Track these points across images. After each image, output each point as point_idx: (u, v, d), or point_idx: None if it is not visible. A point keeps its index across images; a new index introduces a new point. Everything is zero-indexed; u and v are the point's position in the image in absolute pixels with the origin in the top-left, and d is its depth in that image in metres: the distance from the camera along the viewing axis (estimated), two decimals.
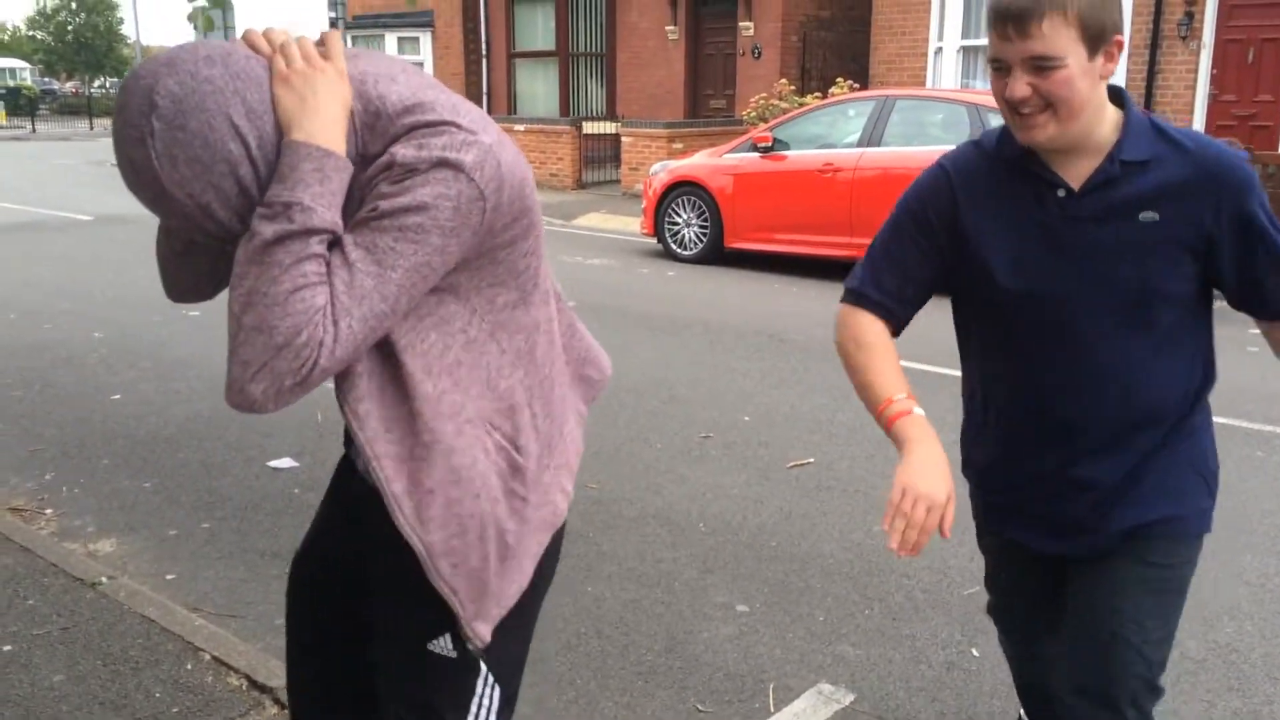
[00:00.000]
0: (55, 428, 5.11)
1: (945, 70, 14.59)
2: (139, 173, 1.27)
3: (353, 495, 1.58)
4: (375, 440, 1.37)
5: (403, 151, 1.29)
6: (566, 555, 3.73)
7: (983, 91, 10.55)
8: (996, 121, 8.71)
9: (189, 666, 2.91)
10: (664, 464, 4.72)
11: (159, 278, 1.60)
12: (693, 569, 3.71)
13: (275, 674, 2.86)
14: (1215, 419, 1.96)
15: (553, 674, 3.05)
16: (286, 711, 2.70)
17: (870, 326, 1.87)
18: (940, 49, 14.54)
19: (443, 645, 1.47)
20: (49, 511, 4.13)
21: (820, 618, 3.37)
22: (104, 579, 3.36)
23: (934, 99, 9.50)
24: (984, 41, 13.91)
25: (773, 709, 2.88)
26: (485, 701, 1.52)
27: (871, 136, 9.12)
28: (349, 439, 1.57)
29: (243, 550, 3.82)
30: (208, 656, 2.95)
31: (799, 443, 4.96)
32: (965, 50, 14.38)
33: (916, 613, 3.41)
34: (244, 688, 2.82)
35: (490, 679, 1.52)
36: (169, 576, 3.61)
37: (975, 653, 3.16)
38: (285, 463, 4.64)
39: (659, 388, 5.89)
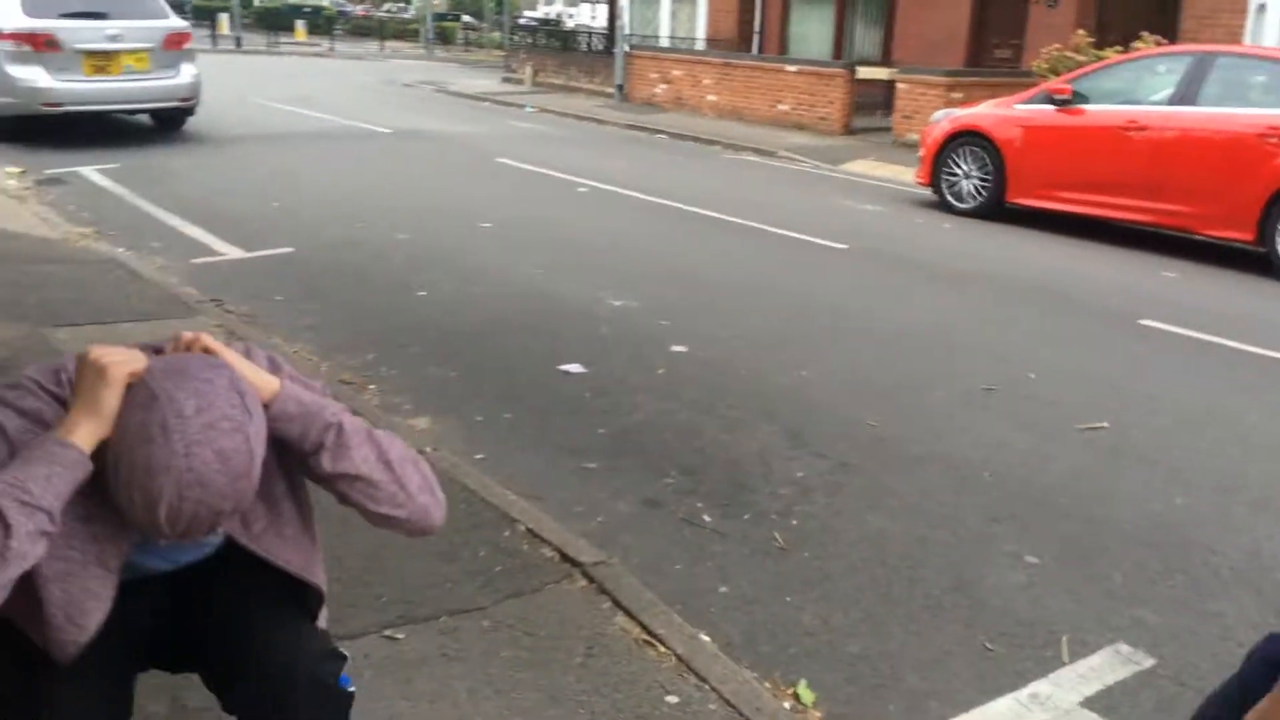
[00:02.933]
0: (371, 315, 5.59)
1: (1268, 29, 13.27)
2: (233, 459, 1.39)
3: (192, 589, 1.76)
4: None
5: None
6: (847, 485, 3.79)
7: None
8: None
9: (506, 534, 3.16)
10: (946, 410, 4.65)
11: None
12: (978, 515, 3.66)
13: (584, 551, 3.06)
14: None
15: (838, 593, 3.11)
16: (594, 585, 2.90)
17: None
18: (1264, 5, 13.23)
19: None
20: (372, 387, 4.54)
21: (1118, 579, 3.26)
22: (428, 449, 3.67)
23: (1261, 58, 8.68)
24: None
25: (1066, 660, 2.84)
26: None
27: (1185, 95, 8.45)
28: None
29: (541, 443, 4.08)
30: (522, 528, 3.19)
31: (1090, 406, 4.75)
32: None
33: (1224, 589, 3.24)
34: (556, 559, 3.03)
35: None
36: (478, 456, 3.90)
37: None
38: (575, 368, 4.89)
39: (940, 335, 5.77)
